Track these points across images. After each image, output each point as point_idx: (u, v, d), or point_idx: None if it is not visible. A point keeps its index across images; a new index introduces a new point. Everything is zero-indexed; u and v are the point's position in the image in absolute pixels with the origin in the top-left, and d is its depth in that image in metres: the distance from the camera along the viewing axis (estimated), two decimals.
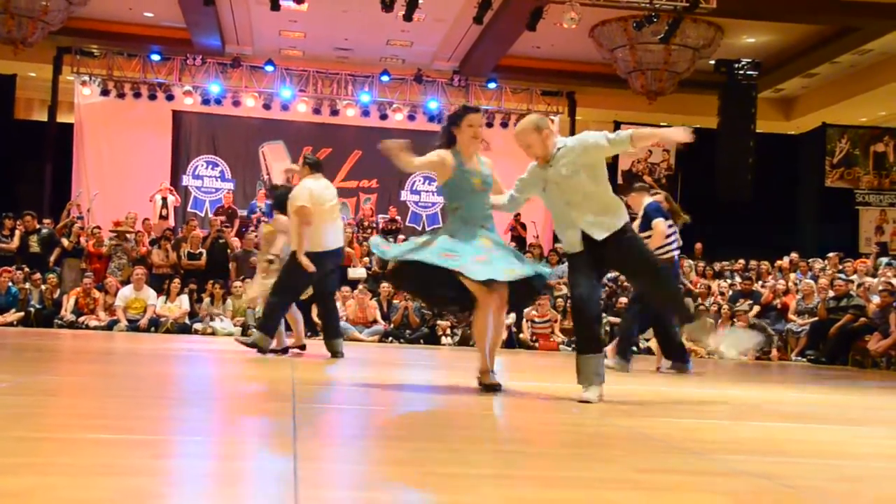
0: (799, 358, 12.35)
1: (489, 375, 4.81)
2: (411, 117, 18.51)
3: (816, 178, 19.32)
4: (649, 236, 7.60)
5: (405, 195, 19.19)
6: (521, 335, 12.65)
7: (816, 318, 12.43)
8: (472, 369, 4.98)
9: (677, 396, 5.55)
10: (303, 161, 7.79)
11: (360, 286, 13.00)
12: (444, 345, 12.58)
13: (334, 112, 18.51)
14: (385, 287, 13.01)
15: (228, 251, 14.07)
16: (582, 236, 4.56)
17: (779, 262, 14.82)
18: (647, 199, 8.06)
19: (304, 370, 6.22)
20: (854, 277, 13.18)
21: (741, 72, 17.32)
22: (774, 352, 12.37)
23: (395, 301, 13.00)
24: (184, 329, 12.29)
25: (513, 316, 12.72)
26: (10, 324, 12.00)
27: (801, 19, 15.72)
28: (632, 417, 4.04)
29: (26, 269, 12.76)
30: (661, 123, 19.18)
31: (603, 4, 14.34)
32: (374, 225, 16.84)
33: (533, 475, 2.49)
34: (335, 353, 7.53)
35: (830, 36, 16.44)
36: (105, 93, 17.74)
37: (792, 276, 14.17)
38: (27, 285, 12.57)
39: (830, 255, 14.28)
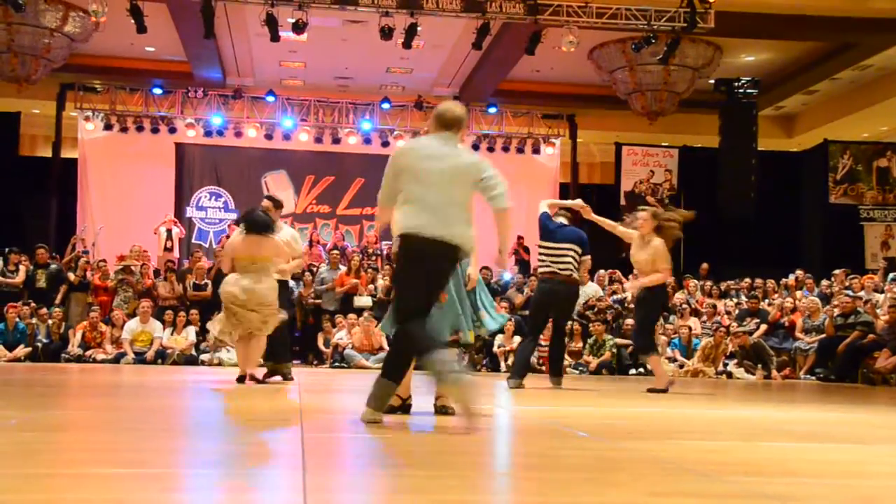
0: (808, 376, 12.27)
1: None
2: None
3: (820, 195, 19.28)
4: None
5: None
6: None
7: (824, 336, 12.36)
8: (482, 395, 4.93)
9: (684, 418, 5.52)
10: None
11: (366, 314, 13.00)
12: None
13: (336, 140, 18.58)
14: None
15: None
16: None
17: (784, 280, 14.76)
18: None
19: (311, 399, 6.20)
20: (861, 294, 13.13)
21: (741, 90, 17.36)
22: (774, 372, 12.20)
23: None
24: (190, 360, 12.27)
25: (518, 339, 12.67)
26: (18, 359, 12.00)
27: (800, 37, 15.77)
28: (640, 440, 4.01)
29: (33, 305, 12.76)
30: (663, 143, 19.28)
31: (601, 27, 14.41)
32: (379, 252, 16.77)
33: (543, 501, 2.47)
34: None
35: (830, 52, 16.49)
36: (108, 127, 17.86)
37: (798, 293, 14.11)
38: (34, 320, 12.57)
39: (836, 271, 14.21)
